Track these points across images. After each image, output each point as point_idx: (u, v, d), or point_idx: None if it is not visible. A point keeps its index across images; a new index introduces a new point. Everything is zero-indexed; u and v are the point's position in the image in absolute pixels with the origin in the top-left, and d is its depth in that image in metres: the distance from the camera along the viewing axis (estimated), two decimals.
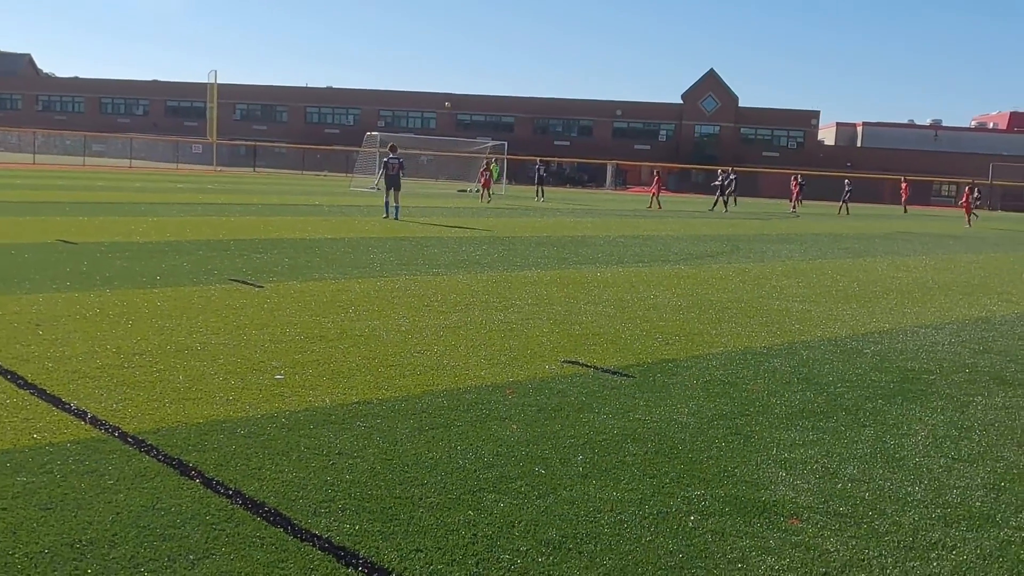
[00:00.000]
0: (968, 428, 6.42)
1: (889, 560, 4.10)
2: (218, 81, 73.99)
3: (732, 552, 4.08)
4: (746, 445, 5.71)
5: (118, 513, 4.13)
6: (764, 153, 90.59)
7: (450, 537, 4.07)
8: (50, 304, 9.21)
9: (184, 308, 9.39)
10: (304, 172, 79.97)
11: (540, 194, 47.08)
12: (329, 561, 3.78)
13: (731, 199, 47.59)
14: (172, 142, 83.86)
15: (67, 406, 5.71)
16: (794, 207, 49.31)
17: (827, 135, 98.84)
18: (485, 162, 44.75)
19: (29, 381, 6.24)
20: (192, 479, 4.60)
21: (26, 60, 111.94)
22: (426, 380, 6.89)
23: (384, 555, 3.86)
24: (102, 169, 61.36)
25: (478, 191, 45.05)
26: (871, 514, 4.65)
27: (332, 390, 6.45)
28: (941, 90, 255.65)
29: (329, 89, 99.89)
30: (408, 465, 4.98)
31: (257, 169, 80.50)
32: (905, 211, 56.00)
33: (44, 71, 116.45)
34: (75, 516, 4.07)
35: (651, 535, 4.22)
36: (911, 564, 4.07)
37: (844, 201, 52.12)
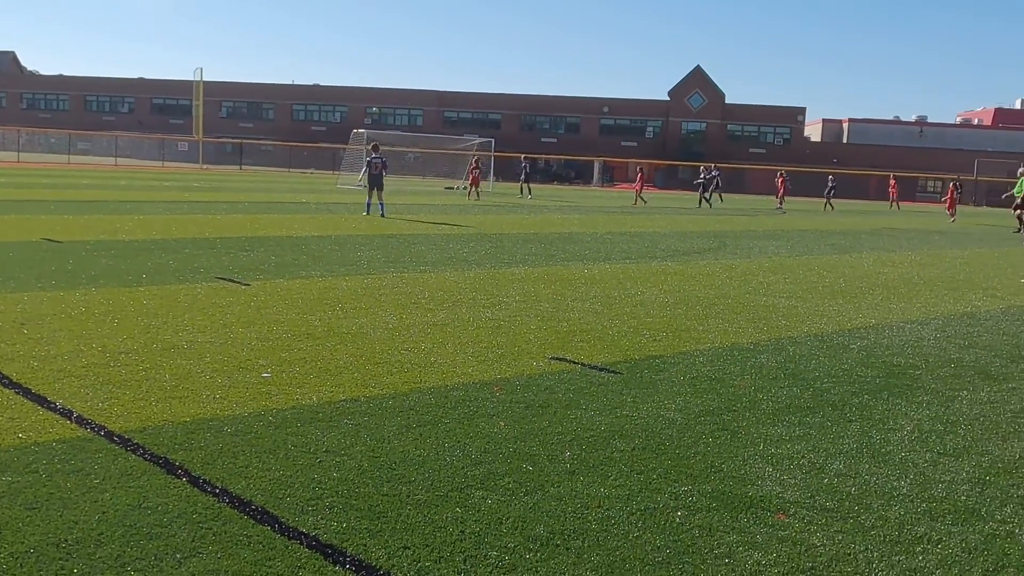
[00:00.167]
0: (953, 423, 6.45)
1: (875, 554, 4.12)
2: (204, 79, 73.77)
3: (719, 547, 4.10)
4: (733, 441, 5.73)
5: (104, 512, 4.11)
6: (751, 150, 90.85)
7: (438, 534, 4.07)
8: (35, 303, 9.17)
9: (170, 306, 9.36)
10: (291, 170, 79.76)
11: (527, 191, 47.03)
12: (316, 559, 3.77)
13: (714, 195, 47.77)
14: (158, 140, 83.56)
15: (52, 405, 5.69)
16: (780, 203, 49.45)
17: (813, 131, 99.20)
18: (474, 159, 44.72)
19: (14, 380, 6.21)
20: (179, 478, 4.59)
21: (10, 58, 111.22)
22: (414, 377, 6.89)
23: (372, 553, 3.85)
24: (87, 167, 61.07)
25: (465, 188, 45.05)
26: (857, 509, 4.67)
27: (319, 388, 6.44)
28: (927, 86, 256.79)
29: (316, 86, 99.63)
30: (396, 462, 4.98)
31: (243, 167, 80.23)
32: (897, 207, 56.20)
33: (28, 69, 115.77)
34: (61, 516, 4.06)
35: (639, 531, 4.23)
36: (897, 558, 4.09)
37: (827, 197, 52.32)
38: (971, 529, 4.48)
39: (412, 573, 3.70)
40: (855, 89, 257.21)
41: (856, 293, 13.44)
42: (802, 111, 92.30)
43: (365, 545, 3.92)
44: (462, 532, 4.11)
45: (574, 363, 7.67)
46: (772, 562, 3.97)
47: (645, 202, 43.35)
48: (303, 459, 4.96)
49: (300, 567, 3.69)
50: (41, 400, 5.78)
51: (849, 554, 4.11)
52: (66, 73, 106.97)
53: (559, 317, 9.89)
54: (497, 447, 5.34)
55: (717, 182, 49.38)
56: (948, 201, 44.47)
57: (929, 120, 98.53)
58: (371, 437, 5.40)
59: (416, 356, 7.61)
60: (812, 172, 74.25)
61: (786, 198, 50.23)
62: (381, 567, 3.73)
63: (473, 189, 42.11)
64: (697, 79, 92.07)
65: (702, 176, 48.37)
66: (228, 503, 4.29)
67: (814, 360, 8.35)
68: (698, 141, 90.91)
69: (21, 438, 5.05)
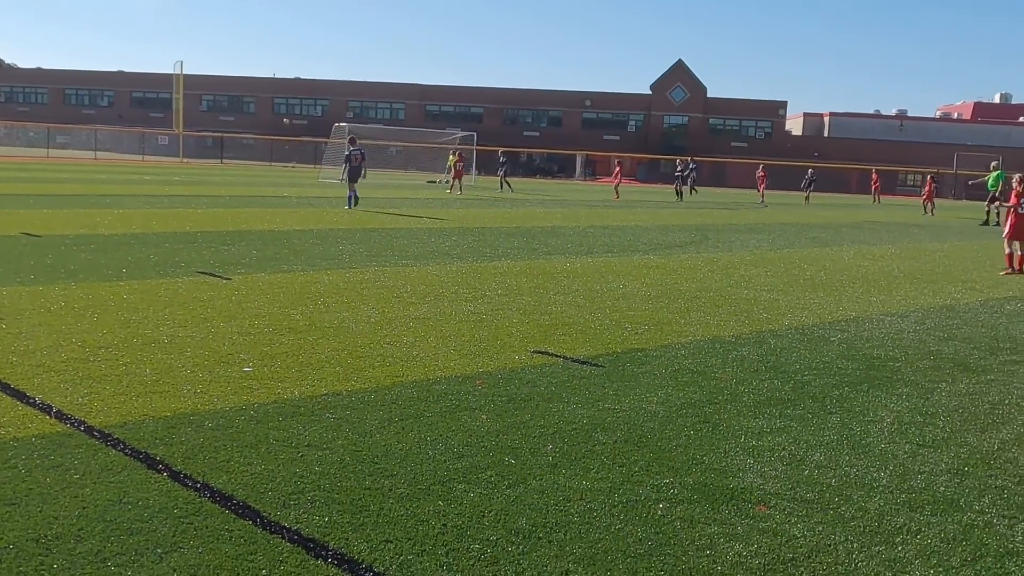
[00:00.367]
0: (932, 414, 6.50)
1: (855, 545, 4.15)
2: (184, 72, 73.27)
3: (700, 539, 4.12)
4: (714, 433, 5.75)
5: (84, 507, 4.09)
6: (733, 143, 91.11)
7: (420, 527, 4.07)
8: (14, 297, 9.10)
9: (151, 301, 9.31)
10: (272, 163, 79.41)
11: (506, 186, 47.01)
12: (298, 553, 3.76)
13: (690, 188, 48.00)
14: (138, 134, 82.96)
15: (32, 400, 5.65)
16: (762, 196, 49.64)
17: (795, 125, 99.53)
18: (457, 153, 44.64)
19: None
20: (159, 473, 4.57)
21: None
22: (396, 371, 6.88)
23: (354, 546, 3.85)
24: (66, 161, 60.61)
25: (447, 182, 44.97)
26: (837, 500, 4.70)
27: (301, 382, 6.43)
28: (907, 81, 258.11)
29: (297, 80, 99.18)
30: (378, 456, 4.98)
31: (224, 161, 79.81)
32: (878, 201, 56.49)
33: (6, 62, 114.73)
34: (40, 511, 4.03)
35: (620, 523, 4.25)
36: (876, 548, 4.12)
37: (804, 189, 52.57)
38: (950, 519, 4.52)
39: (394, 566, 3.70)
40: (836, 83, 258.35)
41: (837, 286, 13.51)
42: (783, 105, 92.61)
43: (347, 539, 3.92)
44: (444, 525, 4.11)
45: (556, 356, 7.68)
46: (753, 553, 4.00)
47: (617, 196, 43.38)
48: (285, 453, 4.94)
49: (282, 561, 3.68)
50: (20, 395, 5.74)
51: (829, 545, 4.13)
52: (45, 66, 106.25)
53: (541, 311, 9.90)
54: (479, 440, 5.35)
55: (693, 176, 49.52)
56: (926, 195, 44.59)
57: (909, 114, 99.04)
58: (353, 431, 5.39)
59: (398, 350, 7.60)
60: (794, 166, 74.52)
61: (766, 192, 50.41)
62: (363, 561, 3.73)
63: (456, 183, 42.04)
64: (679, 73, 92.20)
65: (679, 169, 48.55)
66: (209, 497, 4.28)
67: (795, 353, 8.39)
68: (680, 135, 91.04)
69: (0, 434, 5.02)
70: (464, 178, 44.28)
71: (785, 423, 6.07)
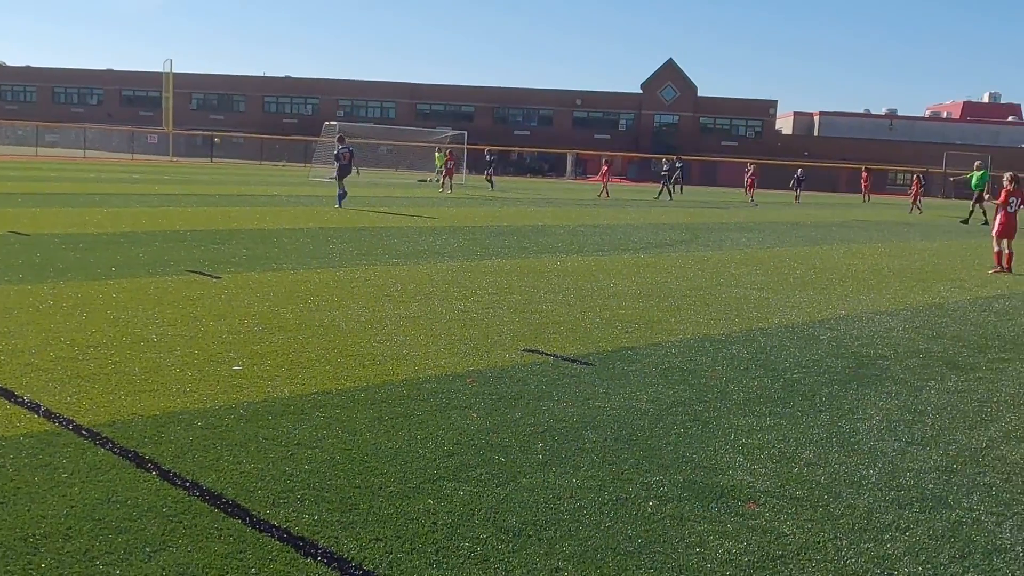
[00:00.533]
0: (921, 412, 6.52)
1: (844, 542, 4.16)
2: (174, 70, 73.08)
3: (690, 536, 4.12)
4: (704, 431, 5.76)
5: (72, 506, 4.08)
6: (723, 142, 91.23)
7: (410, 526, 4.07)
8: (2, 296, 9.06)
9: (140, 299, 9.28)
10: (262, 162, 79.24)
11: (492, 184, 47.11)
12: (288, 552, 3.76)
13: (676, 187, 48.12)
14: (127, 132, 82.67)
15: (20, 399, 5.62)
16: (751, 197, 49.72)
17: (785, 124, 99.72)
18: (448, 152, 44.62)
19: None
20: (148, 471, 4.55)
21: None
22: (386, 370, 6.87)
23: (343, 545, 3.85)
24: (55, 159, 60.37)
25: (438, 180, 44.95)
26: (826, 497, 4.71)
27: (291, 381, 6.42)
28: (897, 80, 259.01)
29: (287, 78, 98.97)
30: (367, 455, 4.97)
31: (214, 159, 79.60)
32: (867, 200, 56.71)
33: None
34: (28, 510, 4.02)
35: (610, 521, 4.25)
36: (865, 546, 4.14)
37: (794, 189, 52.72)
38: (938, 517, 4.54)
39: (384, 565, 3.69)
40: (826, 82, 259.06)
41: (826, 284, 13.55)
42: (774, 104, 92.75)
43: (337, 537, 3.91)
44: (434, 523, 4.11)
45: (546, 355, 7.68)
46: (742, 551, 4.00)
47: (599, 195, 43.47)
48: (274, 452, 4.93)
49: (271, 560, 3.68)
50: (8, 394, 5.72)
51: (818, 542, 4.14)
52: (34, 64, 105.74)
53: (532, 309, 9.90)
54: (469, 439, 5.34)
55: (679, 174, 49.56)
56: (912, 194, 45.05)
57: (899, 113, 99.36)
58: (343, 429, 5.38)
59: (388, 349, 7.59)
60: (783, 165, 74.68)
61: (756, 192, 50.52)
62: (353, 559, 3.73)
63: (447, 181, 42.02)
64: (669, 72, 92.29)
65: (664, 168, 48.65)
66: (198, 496, 4.27)
67: (785, 351, 8.41)
68: (671, 134, 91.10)
69: None
70: (455, 177, 44.26)
71: (775, 421, 6.08)
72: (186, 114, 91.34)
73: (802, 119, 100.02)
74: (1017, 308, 12.04)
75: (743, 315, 10.30)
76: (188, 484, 4.41)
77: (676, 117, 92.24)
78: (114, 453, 4.78)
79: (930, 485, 4.99)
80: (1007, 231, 16.53)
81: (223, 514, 4.09)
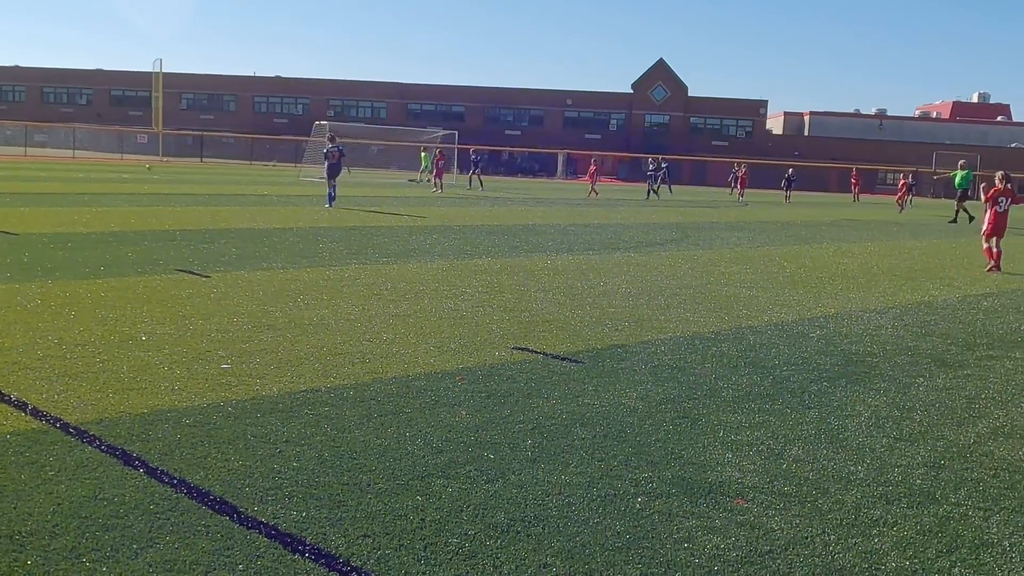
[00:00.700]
0: (910, 408, 6.54)
1: (832, 537, 4.17)
2: (163, 70, 72.88)
3: (679, 532, 4.12)
4: (693, 428, 5.76)
5: (59, 504, 4.06)
6: (714, 142, 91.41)
7: (398, 522, 4.06)
8: None
9: (129, 298, 9.25)
10: (253, 162, 79.08)
11: (477, 184, 47.16)
12: (275, 548, 3.75)
13: (662, 187, 48.26)
14: (116, 132, 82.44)
15: (7, 397, 5.60)
16: (741, 195, 49.88)
17: (775, 124, 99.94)
18: (438, 151, 44.61)
19: None
20: (136, 469, 4.53)
21: None
22: (375, 368, 6.86)
23: (331, 541, 3.84)
24: (44, 159, 60.17)
25: (429, 180, 44.94)
26: (815, 493, 4.72)
27: (280, 379, 6.40)
28: (887, 80, 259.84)
29: (277, 78, 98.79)
30: (356, 452, 4.96)
31: (204, 159, 79.42)
32: (857, 199, 56.98)
33: None
34: (15, 508, 4.00)
35: (599, 517, 4.25)
36: (853, 540, 4.14)
37: (784, 188, 52.90)
38: (926, 512, 4.55)
39: (372, 561, 3.68)
40: (816, 82, 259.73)
41: (816, 283, 13.58)
42: (764, 104, 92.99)
43: (325, 534, 3.90)
44: (422, 520, 4.10)
45: (536, 353, 7.68)
46: (731, 546, 4.01)
47: (587, 195, 43.59)
48: (262, 449, 4.92)
49: (258, 556, 3.67)
50: None
51: (806, 537, 4.15)
52: (23, 64, 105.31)
53: (522, 307, 9.90)
54: (458, 436, 5.34)
55: (665, 174, 49.65)
56: (900, 193, 45.73)
57: (889, 113, 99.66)
58: (331, 427, 5.37)
59: (378, 347, 7.58)
60: (774, 165, 74.83)
61: (746, 191, 50.69)
62: (341, 555, 3.72)
63: (438, 181, 42.00)
64: (660, 72, 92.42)
65: (651, 168, 48.76)
66: (186, 493, 4.25)
67: (774, 348, 8.42)
68: (661, 134, 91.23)
69: None
70: (445, 176, 44.25)
71: (763, 418, 6.09)
72: (176, 114, 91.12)
73: (792, 119, 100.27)
74: (1005, 306, 12.08)
75: (733, 313, 10.32)
76: (175, 481, 4.39)
77: (667, 117, 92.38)
78: (101, 451, 4.77)
79: (918, 481, 5.00)
80: (997, 230, 16.58)
81: (210, 511, 4.07)
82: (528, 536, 4.00)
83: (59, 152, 75.26)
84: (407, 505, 4.26)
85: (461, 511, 4.23)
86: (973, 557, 4.05)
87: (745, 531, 4.18)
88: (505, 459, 4.98)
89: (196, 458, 4.73)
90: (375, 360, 7.10)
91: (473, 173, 48.26)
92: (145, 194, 27.53)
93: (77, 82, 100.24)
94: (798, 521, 4.33)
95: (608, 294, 11.24)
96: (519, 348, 7.82)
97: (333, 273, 11.91)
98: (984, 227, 16.90)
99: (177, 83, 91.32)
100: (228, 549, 3.71)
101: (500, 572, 3.66)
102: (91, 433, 5.03)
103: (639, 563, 3.80)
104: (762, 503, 4.53)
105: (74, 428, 5.10)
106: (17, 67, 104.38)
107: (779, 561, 3.89)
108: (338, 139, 27.44)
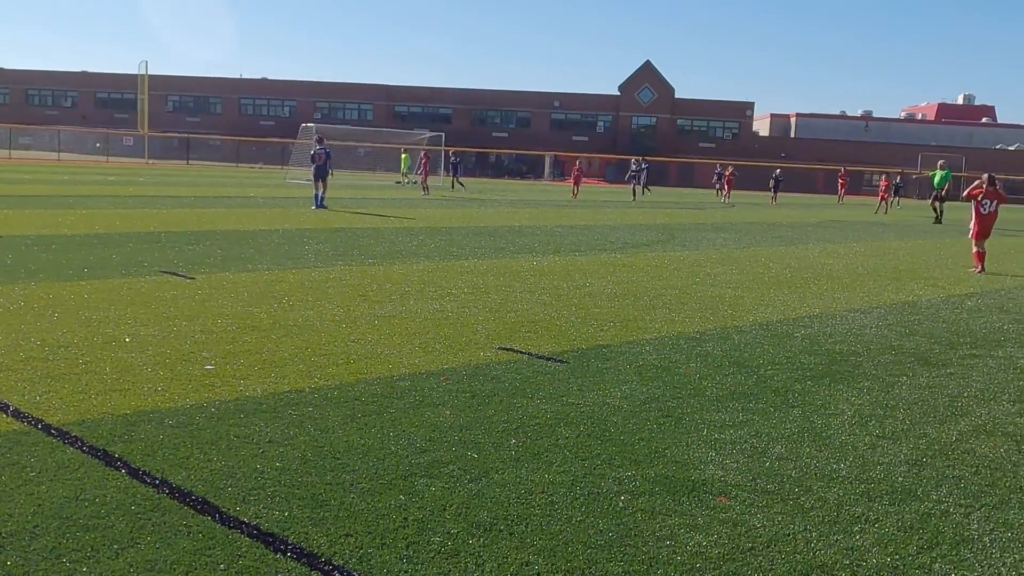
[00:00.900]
0: (893, 407, 6.56)
1: (813, 534, 4.18)
2: (149, 72, 72.62)
3: (661, 530, 4.13)
4: (677, 427, 5.77)
5: (40, 505, 4.04)
6: (701, 144, 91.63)
7: (380, 521, 4.06)
8: None
9: (112, 300, 9.21)
10: (239, 165, 78.86)
11: (457, 185, 47.20)
12: (257, 548, 3.74)
13: (643, 187, 48.41)
14: (102, 134, 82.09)
15: None
16: (727, 197, 50.05)
17: (762, 126, 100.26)
18: (424, 153, 44.60)
19: None
20: (117, 470, 4.52)
21: None
22: (360, 368, 6.85)
23: (313, 540, 3.83)
24: (29, 162, 59.87)
25: (415, 183, 44.92)
26: (797, 491, 4.73)
27: (263, 379, 6.38)
28: (872, 81, 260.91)
29: (264, 80, 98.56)
30: (339, 452, 4.95)
31: (190, 162, 79.16)
32: (841, 200, 57.33)
33: None
34: None
35: (582, 515, 4.25)
36: (835, 537, 4.16)
37: (772, 189, 53.13)
38: (907, 509, 4.57)
39: (354, 560, 3.68)
40: (803, 84, 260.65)
41: (801, 283, 13.62)
42: (750, 106, 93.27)
43: (307, 533, 3.89)
44: (405, 519, 4.10)
45: (521, 353, 7.68)
46: (713, 543, 4.02)
47: (575, 196, 43.71)
48: (245, 450, 4.91)
49: (240, 555, 3.66)
50: None
51: (788, 534, 4.16)
52: (7, 66, 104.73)
53: (507, 308, 9.90)
54: (442, 436, 5.33)
55: (644, 175, 49.76)
56: (882, 194, 46.33)
57: (874, 115, 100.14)
58: (315, 427, 5.36)
59: (363, 348, 7.57)
60: (761, 166, 75.05)
61: (732, 192, 50.89)
62: (323, 554, 3.71)
63: (424, 183, 41.99)
64: (647, 74, 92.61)
65: (633, 168, 48.88)
66: (168, 494, 4.24)
67: (759, 348, 8.45)
68: (648, 136, 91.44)
69: None
70: (431, 179, 44.24)
71: (747, 416, 6.11)
72: (162, 116, 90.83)
73: (779, 121, 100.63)
74: (989, 306, 12.15)
75: (718, 313, 10.34)
76: (157, 482, 4.38)
77: (654, 119, 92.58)
78: (83, 452, 4.74)
79: (900, 478, 5.02)
80: (984, 232, 16.65)
81: (192, 511, 4.06)
82: (511, 534, 4.00)
83: (44, 155, 74.92)
84: (390, 504, 4.26)
85: (444, 510, 4.23)
86: (953, 553, 4.07)
87: (727, 528, 4.19)
88: (489, 458, 4.98)
89: (178, 459, 4.72)
90: (360, 361, 7.09)
91: (452, 175, 48.26)
92: (131, 196, 27.43)
93: (62, 84, 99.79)
94: (780, 518, 4.34)
95: (594, 295, 11.26)
96: (504, 348, 7.82)
97: (318, 274, 11.89)
98: (971, 229, 16.95)
99: (163, 85, 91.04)
100: (210, 549, 3.70)
101: (482, 570, 3.66)
102: (73, 434, 5.01)
103: (621, 560, 3.80)
104: (745, 501, 4.54)
105: (56, 429, 5.08)
106: (1, 70, 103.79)
107: (760, 558, 3.90)
108: (326, 141, 27.40)
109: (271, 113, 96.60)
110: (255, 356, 7.06)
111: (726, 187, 50.15)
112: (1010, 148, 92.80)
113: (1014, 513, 4.59)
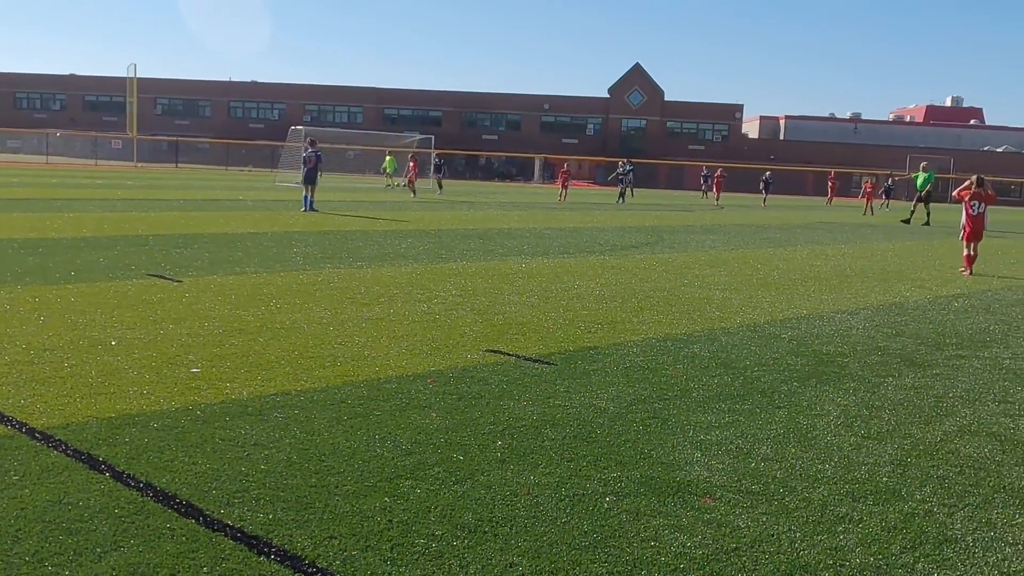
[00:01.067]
0: (878, 408, 6.59)
1: (798, 534, 4.19)
2: (138, 75, 72.40)
3: (645, 531, 4.14)
4: (663, 428, 5.78)
5: (23, 508, 4.03)
6: (690, 147, 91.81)
7: (365, 523, 4.05)
8: None
9: (99, 303, 9.19)
10: (228, 168, 78.70)
11: (438, 187, 47.16)
12: (241, 550, 3.73)
13: (628, 189, 48.53)
14: (91, 137, 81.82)
15: None
16: (717, 198, 50.19)
17: (751, 128, 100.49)
18: (412, 156, 44.55)
19: None
20: (102, 473, 4.50)
21: None
22: (346, 371, 6.84)
23: (297, 543, 3.82)
24: (16, 165, 59.64)
25: (404, 186, 44.88)
26: (782, 491, 4.75)
27: (250, 382, 6.37)
28: (861, 83, 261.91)
29: (253, 83, 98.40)
30: (325, 454, 4.95)
31: (180, 165, 78.96)
32: (830, 203, 57.56)
33: None
34: None
35: (567, 516, 4.26)
36: (819, 537, 4.17)
37: (762, 191, 53.31)
38: (891, 509, 4.58)
39: (338, 562, 3.68)
40: (792, 86, 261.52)
41: (789, 285, 13.66)
42: (740, 108, 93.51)
43: (291, 535, 3.89)
44: (390, 521, 4.10)
45: (508, 355, 7.69)
46: (697, 544, 4.02)
47: (561, 199, 43.77)
48: (230, 453, 4.90)
49: (224, 558, 3.65)
50: None
51: (772, 535, 4.17)
52: None
53: (495, 310, 9.90)
54: (428, 438, 5.33)
55: (631, 177, 49.83)
56: (867, 196, 46.69)
57: (863, 117, 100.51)
58: (300, 430, 5.35)
59: (349, 350, 7.56)
60: (750, 168, 75.23)
61: (721, 194, 51.02)
62: (306, 557, 3.71)
63: (412, 186, 41.93)
64: (636, 76, 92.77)
65: (619, 170, 48.97)
66: (152, 497, 4.23)
67: (746, 349, 8.47)
68: (638, 138, 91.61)
69: None
70: (418, 181, 44.20)
71: (733, 418, 6.12)
72: (151, 119, 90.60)
73: (768, 123, 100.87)
74: (975, 306, 12.20)
75: (706, 315, 10.36)
76: (142, 485, 4.37)
77: (643, 121, 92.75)
78: (67, 455, 4.73)
79: (884, 478, 5.04)
80: (975, 233, 16.70)
81: (176, 514, 4.05)
82: (495, 536, 4.00)
83: (32, 158, 74.63)
84: (374, 506, 4.25)
85: (429, 512, 4.23)
86: (937, 553, 4.09)
87: (712, 529, 4.20)
88: (474, 460, 4.98)
89: (163, 462, 4.70)
90: (346, 363, 7.09)
91: (437, 176, 48.21)
92: (119, 200, 27.35)
93: (50, 87, 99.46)
94: (765, 519, 4.35)
95: (581, 297, 11.27)
96: (491, 350, 7.82)
97: (306, 277, 11.87)
98: (962, 231, 17.00)
99: (152, 88, 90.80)
100: (193, 552, 3.69)
101: (466, 572, 3.66)
102: (57, 438, 4.99)
103: (605, 561, 3.81)
104: (729, 501, 4.55)
105: (40, 433, 5.06)
106: None
107: (744, 558, 3.91)
108: (317, 144, 27.36)
109: (260, 116, 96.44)
110: (242, 359, 7.04)
111: (715, 189, 50.28)
112: (998, 150, 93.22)
113: (997, 513, 4.62)
